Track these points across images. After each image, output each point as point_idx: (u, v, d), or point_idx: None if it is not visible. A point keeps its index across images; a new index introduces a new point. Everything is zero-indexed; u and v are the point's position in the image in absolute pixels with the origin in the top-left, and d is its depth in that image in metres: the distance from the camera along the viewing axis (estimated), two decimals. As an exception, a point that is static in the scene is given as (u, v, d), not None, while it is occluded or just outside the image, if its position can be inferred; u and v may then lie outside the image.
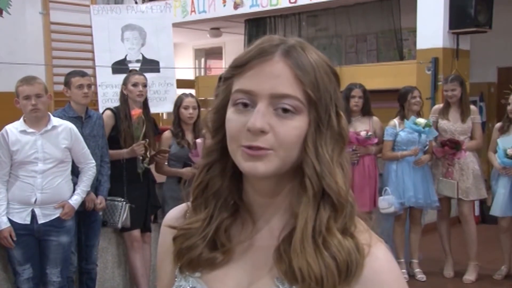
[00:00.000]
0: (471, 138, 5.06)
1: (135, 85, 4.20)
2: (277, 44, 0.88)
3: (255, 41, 0.91)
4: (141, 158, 4.12)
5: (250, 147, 0.86)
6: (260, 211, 0.94)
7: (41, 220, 3.48)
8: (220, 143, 0.94)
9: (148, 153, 4.13)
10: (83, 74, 4.02)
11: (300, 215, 0.87)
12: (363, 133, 4.84)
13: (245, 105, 0.87)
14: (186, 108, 4.33)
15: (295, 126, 0.86)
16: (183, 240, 0.95)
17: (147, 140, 4.10)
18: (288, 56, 0.87)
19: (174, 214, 1.03)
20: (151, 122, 4.35)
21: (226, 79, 0.92)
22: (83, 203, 3.79)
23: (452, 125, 5.02)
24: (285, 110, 0.86)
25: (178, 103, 4.37)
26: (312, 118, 0.87)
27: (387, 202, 4.87)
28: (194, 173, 4.07)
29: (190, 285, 0.94)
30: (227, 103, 0.91)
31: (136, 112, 4.09)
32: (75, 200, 3.62)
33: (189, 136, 4.37)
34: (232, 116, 0.89)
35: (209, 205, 0.95)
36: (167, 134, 4.37)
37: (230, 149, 0.90)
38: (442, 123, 5.04)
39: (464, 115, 5.01)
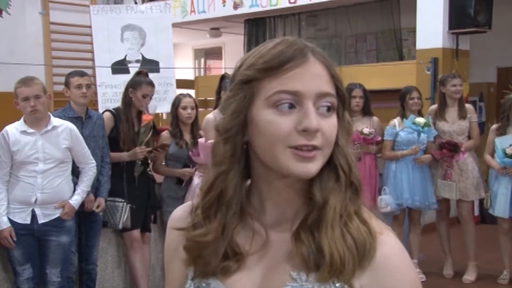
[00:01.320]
0: (469, 137, 5.06)
1: (144, 96, 4.19)
2: (305, 46, 0.90)
3: (272, 44, 0.91)
4: (139, 162, 4.14)
5: (302, 148, 0.86)
6: (274, 211, 0.95)
7: (41, 220, 3.48)
8: (235, 149, 0.92)
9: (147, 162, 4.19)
10: (82, 74, 4.02)
11: (330, 202, 0.89)
12: (366, 130, 4.85)
13: (291, 105, 0.87)
14: (185, 108, 4.33)
15: (334, 124, 0.90)
16: (196, 251, 0.95)
17: (149, 147, 4.14)
18: (317, 56, 0.91)
19: (179, 214, 1.03)
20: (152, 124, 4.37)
21: (248, 81, 0.90)
22: (82, 204, 3.79)
23: (450, 126, 5.01)
24: (328, 109, 0.89)
25: (176, 104, 4.37)
26: (340, 113, 0.92)
27: (384, 202, 4.87)
28: (192, 173, 4.08)
29: (205, 283, 0.95)
30: (248, 105, 0.90)
31: (147, 117, 4.14)
32: (76, 200, 3.62)
33: (187, 136, 4.37)
34: (274, 118, 0.87)
35: (219, 214, 0.94)
36: (165, 134, 4.37)
37: (272, 151, 0.88)
38: (440, 124, 5.03)
39: (463, 114, 5.00)
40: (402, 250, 0.92)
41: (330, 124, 0.89)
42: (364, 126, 4.94)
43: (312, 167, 0.87)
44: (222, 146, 0.93)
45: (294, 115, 0.87)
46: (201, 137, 4.35)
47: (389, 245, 0.90)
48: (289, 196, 0.93)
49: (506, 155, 4.66)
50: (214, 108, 4.72)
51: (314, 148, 0.87)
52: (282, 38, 0.92)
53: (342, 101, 0.92)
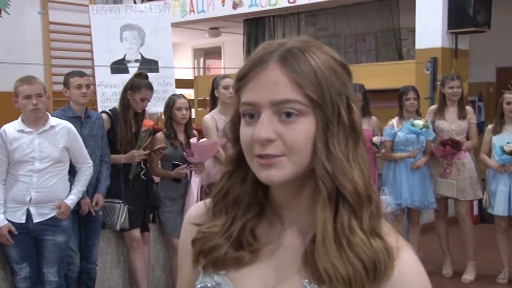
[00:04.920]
0: (467, 138, 5.07)
1: (143, 100, 4.20)
2: (272, 51, 0.88)
3: (256, 48, 0.92)
4: (135, 164, 4.16)
5: (261, 156, 0.86)
6: (287, 211, 0.94)
7: (36, 219, 3.48)
8: (240, 152, 0.94)
9: (142, 165, 4.21)
10: (82, 74, 4.02)
11: (318, 217, 0.87)
12: (376, 140, 4.80)
13: (252, 115, 0.88)
14: (179, 109, 4.32)
15: (301, 129, 0.86)
16: (204, 242, 0.95)
17: (148, 151, 4.16)
18: (283, 62, 0.87)
19: (196, 211, 1.04)
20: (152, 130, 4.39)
21: (236, 91, 0.92)
22: (79, 207, 3.79)
23: (449, 125, 5.02)
24: (288, 115, 0.86)
25: (171, 105, 4.36)
26: (319, 117, 0.86)
27: (384, 203, 4.85)
28: (184, 173, 4.08)
29: (215, 282, 0.94)
30: (240, 115, 0.92)
31: (148, 123, 4.19)
32: (71, 200, 3.61)
33: (181, 137, 4.37)
34: (243, 129, 0.90)
35: (229, 211, 0.96)
36: (159, 135, 4.36)
37: (247, 160, 0.91)
38: (439, 123, 5.04)
39: (462, 113, 5.02)
40: (420, 268, 0.90)
41: (293, 130, 0.85)
42: (364, 126, 4.92)
43: (275, 174, 0.86)
44: (231, 149, 0.96)
45: (254, 125, 0.87)
46: (193, 136, 4.37)
47: (407, 263, 0.88)
48: (297, 203, 0.93)
49: (504, 152, 4.67)
50: (210, 110, 4.74)
51: (273, 156, 0.86)
52: (264, 44, 0.92)
53: (319, 106, 0.86)
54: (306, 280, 0.88)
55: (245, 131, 0.89)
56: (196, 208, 1.04)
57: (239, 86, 0.90)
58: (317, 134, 0.86)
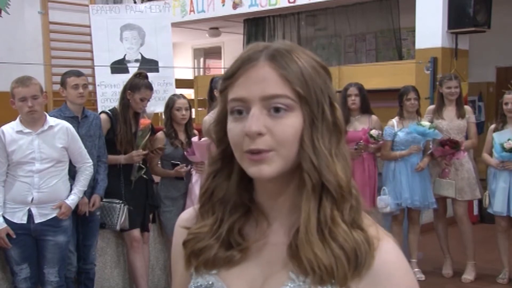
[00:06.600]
0: (466, 137, 5.07)
1: (143, 100, 4.20)
2: (261, 50, 0.92)
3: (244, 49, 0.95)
4: (137, 165, 4.15)
5: (252, 152, 0.89)
6: (272, 210, 0.97)
7: (37, 220, 3.47)
8: (223, 152, 0.97)
9: (142, 164, 4.20)
10: (79, 74, 4.00)
11: (302, 208, 0.90)
12: (374, 133, 4.80)
13: (240, 112, 0.91)
14: (179, 109, 4.33)
15: (290, 124, 0.89)
16: (194, 243, 0.98)
17: (147, 151, 4.15)
18: (272, 59, 0.90)
19: (187, 215, 1.06)
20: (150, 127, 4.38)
21: (222, 91, 0.95)
22: (76, 207, 3.79)
23: (448, 124, 5.02)
24: (277, 110, 0.89)
25: (170, 105, 4.37)
26: (306, 113, 0.90)
27: (384, 202, 4.87)
28: (184, 172, 4.06)
29: (207, 281, 0.97)
30: (226, 114, 0.94)
31: (145, 122, 4.17)
32: (72, 200, 3.61)
33: (182, 136, 4.38)
34: (231, 125, 0.92)
35: (216, 211, 0.98)
36: (160, 135, 4.37)
37: (236, 156, 0.93)
38: (438, 122, 5.03)
39: (461, 113, 5.02)
40: (400, 256, 0.93)
41: (282, 125, 0.89)
42: (363, 125, 4.93)
43: (265, 169, 0.89)
44: (215, 148, 0.98)
45: (244, 121, 0.90)
46: (194, 135, 4.37)
47: (387, 252, 0.91)
48: (281, 200, 0.95)
49: (504, 149, 4.67)
50: (208, 110, 4.75)
51: (261, 151, 0.88)
52: (251, 44, 0.95)
53: (306, 101, 0.89)
54: (292, 272, 0.90)
55: (234, 127, 0.91)
56: (187, 213, 1.07)
57: (226, 85, 0.93)
58: (304, 129, 0.90)
